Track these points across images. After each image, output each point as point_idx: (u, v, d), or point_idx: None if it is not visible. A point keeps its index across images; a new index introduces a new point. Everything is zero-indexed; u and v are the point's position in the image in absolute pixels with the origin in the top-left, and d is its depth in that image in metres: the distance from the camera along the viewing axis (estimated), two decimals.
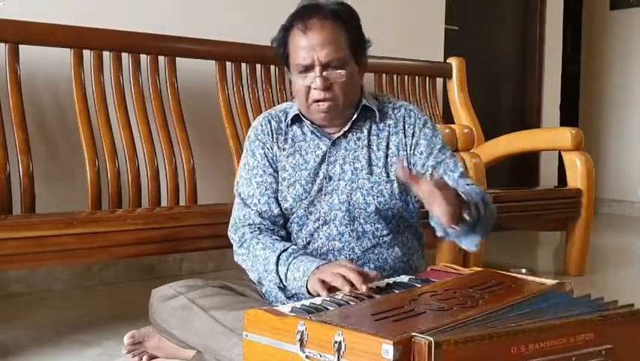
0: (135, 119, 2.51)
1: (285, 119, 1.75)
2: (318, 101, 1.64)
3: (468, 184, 1.64)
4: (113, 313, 2.42)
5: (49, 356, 1.98)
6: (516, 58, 4.97)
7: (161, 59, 2.62)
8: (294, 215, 1.71)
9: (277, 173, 1.72)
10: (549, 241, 4.17)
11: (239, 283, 1.83)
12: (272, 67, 2.93)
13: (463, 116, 3.71)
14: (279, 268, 1.56)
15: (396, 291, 1.45)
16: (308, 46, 1.61)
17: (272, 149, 1.73)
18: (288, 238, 1.72)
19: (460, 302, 1.32)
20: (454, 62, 3.76)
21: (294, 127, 1.75)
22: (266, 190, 1.70)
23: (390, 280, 1.56)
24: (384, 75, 3.41)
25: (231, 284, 1.79)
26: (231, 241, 1.71)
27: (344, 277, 1.42)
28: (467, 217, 1.46)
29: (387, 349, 1.07)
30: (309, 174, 1.70)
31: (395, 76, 3.47)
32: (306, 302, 1.35)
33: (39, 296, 2.66)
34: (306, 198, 1.69)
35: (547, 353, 1.19)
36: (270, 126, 1.74)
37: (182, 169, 2.57)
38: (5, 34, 2.28)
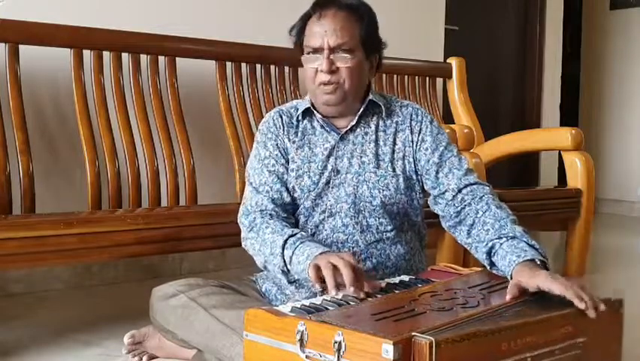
0: (135, 119, 2.51)
1: (296, 114, 1.77)
2: (323, 84, 1.67)
3: (499, 220, 1.60)
4: (113, 313, 2.42)
5: (49, 356, 1.98)
6: (516, 58, 4.97)
7: (161, 59, 2.62)
8: (302, 207, 1.72)
9: (288, 164, 1.74)
10: (549, 241, 4.17)
11: (239, 282, 1.83)
12: (272, 67, 2.93)
13: (463, 116, 3.71)
14: (285, 251, 1.56)
15: (397, 291, 1.45)
16: (320, 31, 1.66)
17: (283, 141, 1.75)
18: (297, 225, 1.72)
19: (461, 302, 1.32)
20: (454, 62, 3.76)
21: (305, 121, 1.77)
22: (278, 178, 1.72)
23: (391, 280, 1.56)
24: (384, 75, 3.41)
25: (232, 284, 1.80)
26: (241, 226, 1.71)
27: (335, 269, 1.41)
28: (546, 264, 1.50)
29: (388, 349, 1.07)
30: (317, 166, 1.72)
31: (395, 76, 3.47)
32: (306, 302, 1.35)
33: (39, 296, 2.66)
34: (314, 190, 1.71)
35: (532, 347, 1.21)
36: (282, 120, 1.77)
37: (182, 169, 2.57)
38: (5, 34, 2.28)
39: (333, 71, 1.66)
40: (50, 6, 2.66)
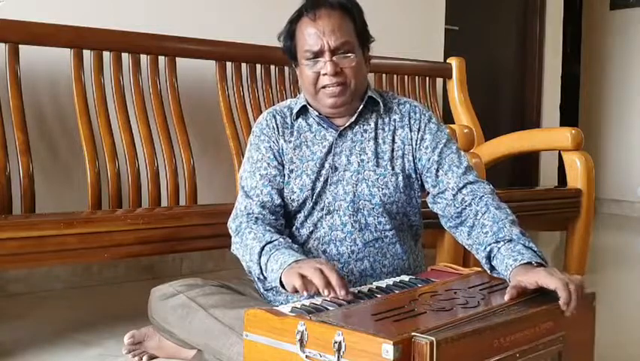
0: (135, 120, 2.51)
1: (291, 114, 1.76)
2: (328, 86, 1.66)
3: (498, 221, 1.58)
4: (113, 313, 2.42)
5: (49, 356, 1.98)
6: (516, 58, 4.97)
7: (161, 59, 2.62)
8: (301, 205, 1.71)
9: (282, 166, 1.72)
10: (549, 241, 4.17)
11: (238, 282, 1.83)
12: (272, 67, 2.93)
13: (463, 116, 3.71)
14: (261, 258, 1.55)
15: (396, 291, 1.45)
16: (317, 32, 1.64)
17: (277, 142, 1.73)
18: (287, 227, 1.72)
19: (461, 302, 1.32)
20: (454, 62, 3.76)
21: (299, 120, 1.76)
22: (269, 182, 1.70)
23: (390, 281, 1.56)
24: (384, 75, 3.41)
25: (231, 284, 1.79)
26: (229, 230, 1.71)
27: (323, 275, 1.38)
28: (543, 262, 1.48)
29: (388, 349, 1.07)
30: (315, 164, 1.71)
31: (395, 76, 3.48)
32: (306, 302, 1.35)
33: (39, 296, 2.66)
34: (313, 188, 1.70)
35: (519, 343, 1.23)
36: (275, 121, 1.75)
37: (182, 169, 2.57)
38: (5, 34, 2.28)
39: (337, 72, 1.65)
40: (50, 6, 2.66)
